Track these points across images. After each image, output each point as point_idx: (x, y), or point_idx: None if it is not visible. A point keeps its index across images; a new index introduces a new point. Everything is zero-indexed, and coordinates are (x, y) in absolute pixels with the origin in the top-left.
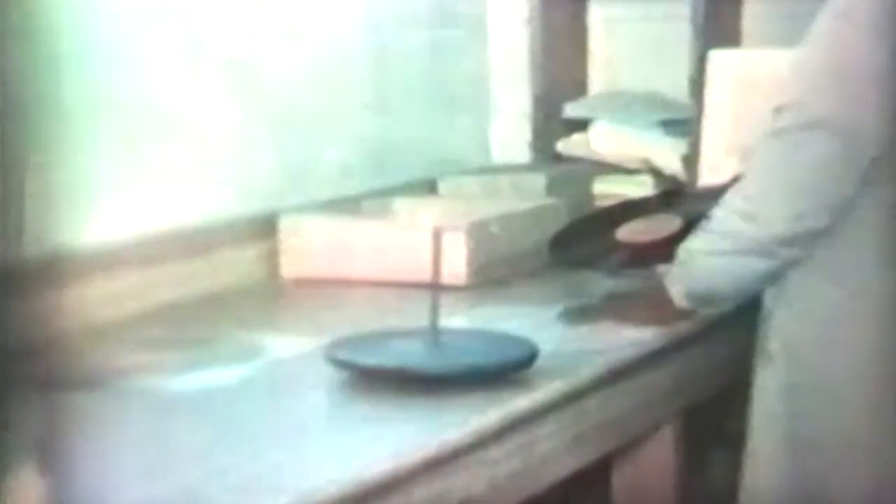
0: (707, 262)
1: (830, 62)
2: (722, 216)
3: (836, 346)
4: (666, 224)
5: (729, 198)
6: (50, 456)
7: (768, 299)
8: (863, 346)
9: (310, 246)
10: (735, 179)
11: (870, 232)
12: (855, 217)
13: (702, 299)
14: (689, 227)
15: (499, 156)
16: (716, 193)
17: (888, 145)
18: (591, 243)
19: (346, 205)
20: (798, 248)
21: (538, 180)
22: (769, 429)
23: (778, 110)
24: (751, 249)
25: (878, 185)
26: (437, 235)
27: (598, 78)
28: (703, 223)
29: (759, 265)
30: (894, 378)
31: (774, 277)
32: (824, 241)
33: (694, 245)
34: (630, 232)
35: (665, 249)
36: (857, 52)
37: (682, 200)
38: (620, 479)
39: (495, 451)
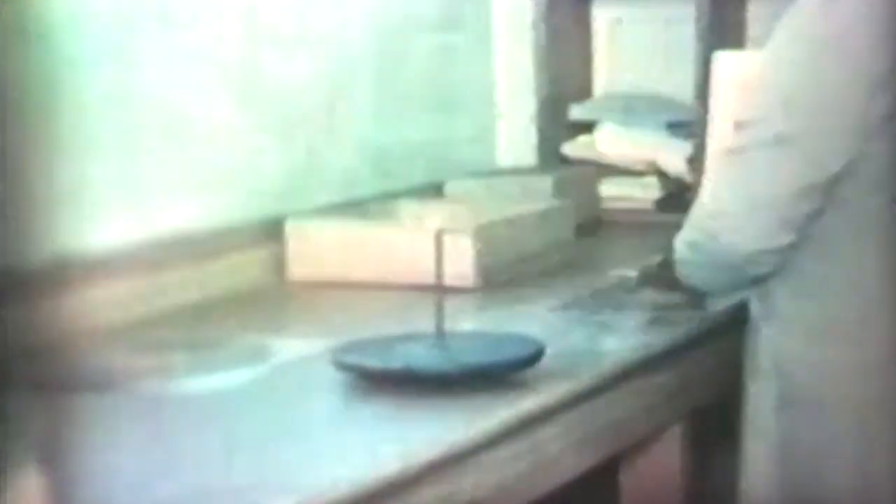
0: (692, 269)
1: (792, 78)
2: (691, 229)
3: (823, 363)
4: None
5: (696, 211)
6: (53, 457)
7: (755, 313)
8: (850, 362)
9: (316, 249)
10: None
11: (853, 246)
12: (837, 231)
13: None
14: None
15: (505, 158)
16: None
17: (858, 157)
18: None
19: (353, 208)
20: (764, 266)
21: (544, 182)
22: (762, 441)
23: (739, 126)
24: (720, 264)
25: (856, 197)
26: (439, 238)
27: (603, 80)
28: (687, 223)
29: (729, 278)
30: (883, 392)
31: (753, 284)
32: (806, 257)
33: (680, 250)
34: None
35: None
36: (819, 68)
37: None
38: (628, 480)
39: (502, 453)
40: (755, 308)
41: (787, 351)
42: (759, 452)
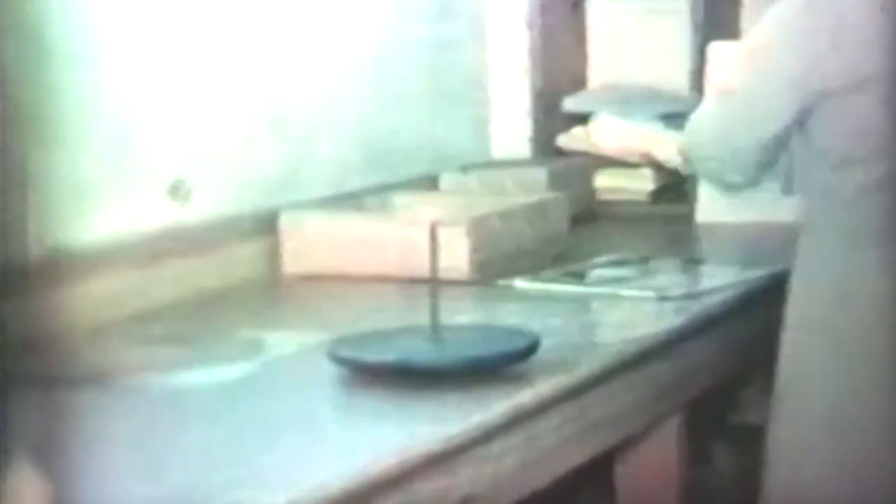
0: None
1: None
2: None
3: (844, 302)
4: None
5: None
6: (47, 453)
7: (793, 275)
8: (869, 301)
9: (311, 242)
10: None
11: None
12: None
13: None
14: None
15: (499, 151)
16: None
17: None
18: None
19: (348, 201)
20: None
21: (539, 175)
22: (788, 392)
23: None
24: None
25: (867, 163)
26: (433, 231)
27: (597, 71)
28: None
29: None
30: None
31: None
32: (846, 204)
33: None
34: None
35: None
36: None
37: None
38: (624, 473)
39: (498, 446)
40: (794, 270)
41: (810, 296)
42: (787, 402)
